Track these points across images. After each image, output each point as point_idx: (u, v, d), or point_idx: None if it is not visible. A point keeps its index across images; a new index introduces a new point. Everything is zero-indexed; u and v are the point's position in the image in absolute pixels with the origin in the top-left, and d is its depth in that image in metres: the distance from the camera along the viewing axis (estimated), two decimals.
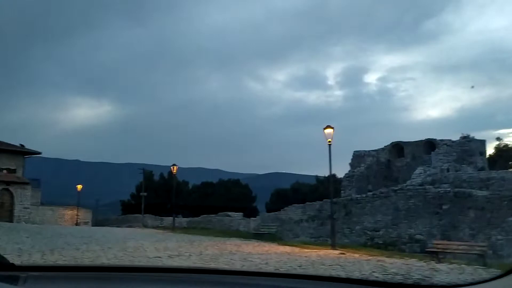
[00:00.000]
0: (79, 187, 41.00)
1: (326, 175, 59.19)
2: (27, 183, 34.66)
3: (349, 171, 31.42)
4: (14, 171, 44.36)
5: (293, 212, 32.10)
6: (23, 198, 33.35)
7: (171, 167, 28.02)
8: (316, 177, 57.02)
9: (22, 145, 46.17)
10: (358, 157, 31.67)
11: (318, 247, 16.74)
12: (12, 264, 1.51)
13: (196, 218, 41.41)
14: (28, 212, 33.58)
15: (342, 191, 31.34)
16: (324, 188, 55.69)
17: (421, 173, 26.17)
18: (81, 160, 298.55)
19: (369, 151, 31.51)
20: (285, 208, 32.95)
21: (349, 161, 33.24)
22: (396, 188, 25.50)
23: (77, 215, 38.16)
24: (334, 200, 30.60)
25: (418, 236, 24.60)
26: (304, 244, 18.21)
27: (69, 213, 38.96)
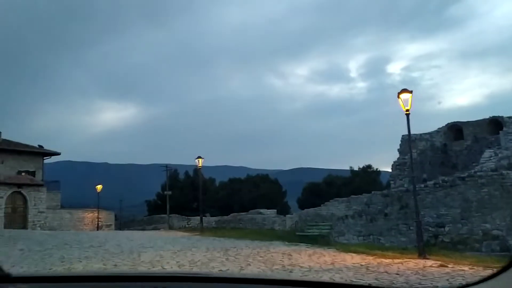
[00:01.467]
0: (99, 187, 37.38)
1: (361, 167, 54.48)
2: (41, 185, 31.18)
3: (398, 158, 26.79)
4: (33, 173, 41.23)
5: (335, 207, 27.72)
6: (38, 201, 29.90)
7: (196, 160, 23.92)
8: (351, 169, 52.33)
9: (40, 146, 43.06)
10: (408, 142, 26.99)
11: (397, 254, 12.34)
12: (8, 274, 1.38)
13: (225, 217, 37.37)
14: (44, 216, 30.10)
15: (391, 182, 26.76)
16: (360, 180, 51.02)
17: (491, 156, 21.41)
18: (110, 162, 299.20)
19: (421, 134, 26.80)
20: (326, 203, 28.59)
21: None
22: (464, 175, 20.82)
23: (98, 217, 34.59)
24: (385, 192, 26.10)
25: (495, 232, 19.86)
26: (371, 249, 13.81)
27: (89, 216, 35.32)
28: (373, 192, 25.55)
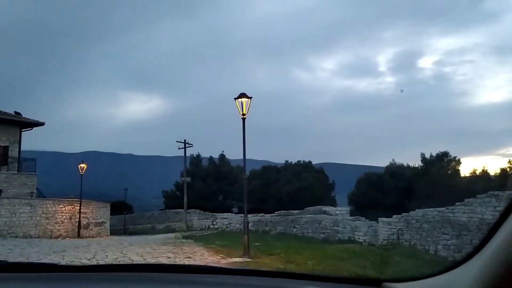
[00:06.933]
0: (83, 166, 24.60)
1: (434, 154, 40.75)
2: None
3: None
4: (6, 148, 29.25)
5: (492, 207, 14.41)
6: None
7: (239, 102, 10.61)
8: (422, 156, 38.65)
9: (17, 114, 30.98)
10: None
11: None
12: (4, 261, 1.43)
13: (267, 216, 24.49)
14: None
15: None
16: (437, 170, 37.66)
17: None
18: (134, 154, 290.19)
19: None
20: (468, 200, 15.25)
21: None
22: None
23: (80, 212, 21.97)
24: None
25: None
26: None
27: (66, 210, 22.52)
28: None
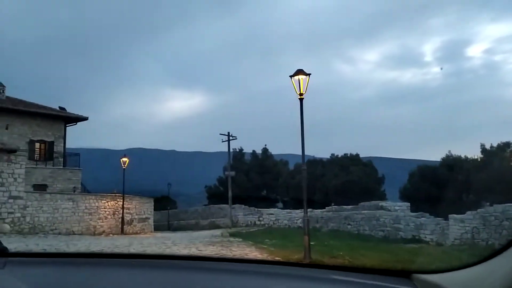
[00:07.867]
0: (125, 160, 23.58)
1: (494, 145, 37.40)
2: (13, 151, 17.76)
3: None
4: (51, 144, 29.09)
5: None
6: (7, 179, 16.73)
7: (298, 79, 8.69)
8: (482, 148, 35.45)
9: (62, 108, 30.78)
10: None
11: None
12: (5, 249, 1.36)
13: (318, 212, 22.75)
14: (21, 205, 16.97)
15: None
16: (501, 161, 34.48)
17: None
18: (177, 150, 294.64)
19: None
20: None
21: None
22: None
23: (123, 208, 21.00)
24: None
25: None
26: None
27: (109, 205, 21.57)
28: None
